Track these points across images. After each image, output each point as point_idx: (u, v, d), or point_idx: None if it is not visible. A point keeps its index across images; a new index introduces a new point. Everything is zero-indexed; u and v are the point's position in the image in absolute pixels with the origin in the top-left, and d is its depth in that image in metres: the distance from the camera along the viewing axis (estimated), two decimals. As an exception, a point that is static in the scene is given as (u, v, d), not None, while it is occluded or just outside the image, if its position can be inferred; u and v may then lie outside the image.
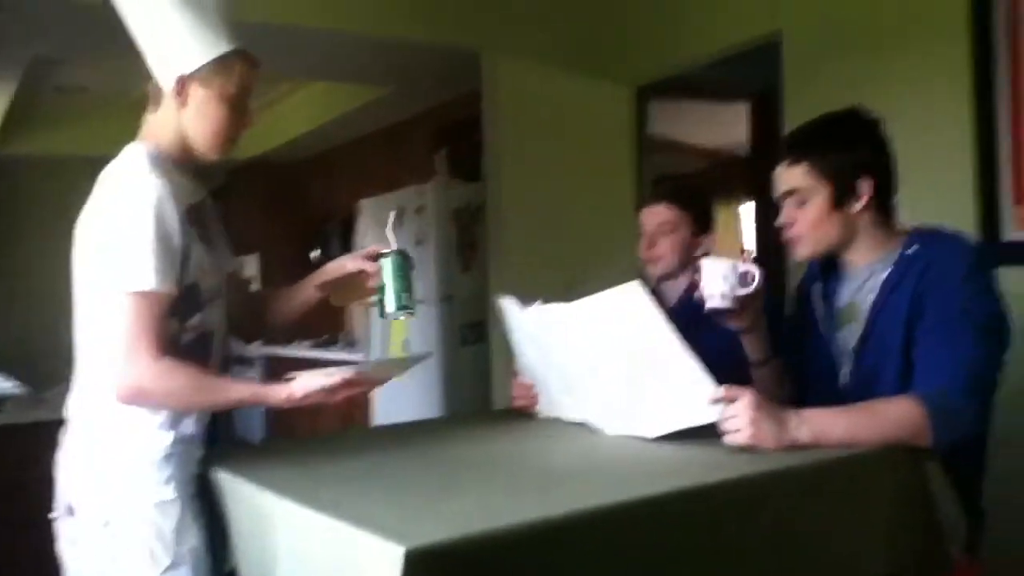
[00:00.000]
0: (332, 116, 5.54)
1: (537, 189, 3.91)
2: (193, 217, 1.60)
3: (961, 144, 2.68)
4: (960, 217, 2.64)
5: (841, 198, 1.64)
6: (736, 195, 6.90)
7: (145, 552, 1.52)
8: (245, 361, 6.71)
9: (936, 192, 2.75)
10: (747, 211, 6.52)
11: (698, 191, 2.33)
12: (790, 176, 1.67)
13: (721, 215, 6.74)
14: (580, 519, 1.16)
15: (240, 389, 1.60)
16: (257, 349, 6.55)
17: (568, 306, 1.69)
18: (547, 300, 1.80)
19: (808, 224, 1.66)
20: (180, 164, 1.64)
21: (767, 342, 1.75)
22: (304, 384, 1.54)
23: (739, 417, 1.45)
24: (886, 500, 1.46)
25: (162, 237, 1.51)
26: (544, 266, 3.80)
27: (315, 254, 1.70)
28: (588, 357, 1.71)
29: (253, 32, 3.42)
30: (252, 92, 1.67)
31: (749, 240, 6.49)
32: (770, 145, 4.52)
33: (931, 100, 2.79)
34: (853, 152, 1.65)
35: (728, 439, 1.47)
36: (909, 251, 1.63)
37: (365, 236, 4.91)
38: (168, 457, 1.56)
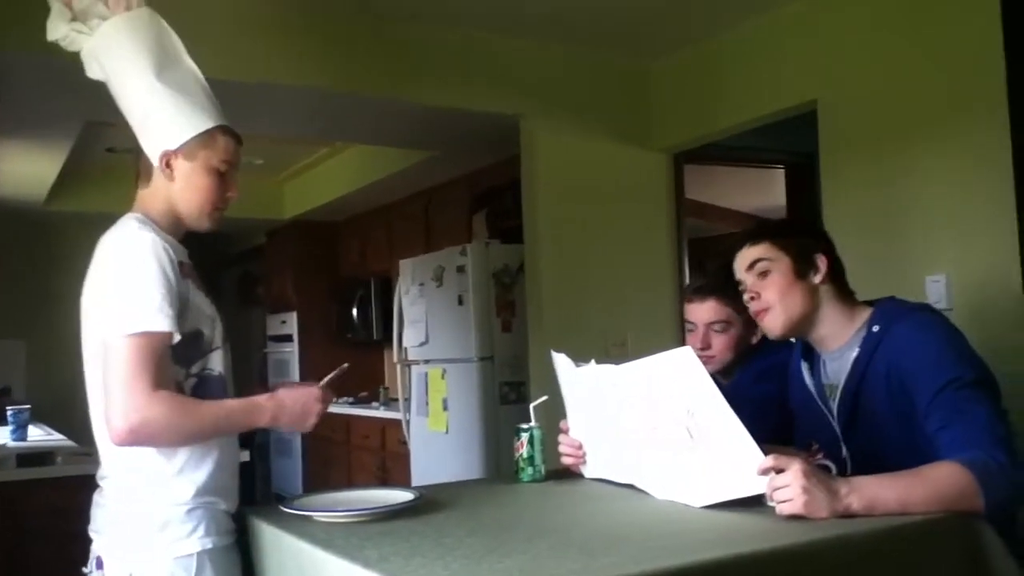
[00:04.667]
0: (372, 179, 5.63)
1: (575, 252, 3.94)
2: (187, 271, 1.67)
3: (1006, 214, 2.67)
4: (1009, 287, 2.63)
5: (801, 268, 1.76)
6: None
7: None
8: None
9: (982, 261, 2.74)
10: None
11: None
12: (752, 251, 1.79)
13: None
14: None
15: (230, 404, 1.66)
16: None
17: (620, 367, 1.70)
18: (600, 360, 1.81)
19: (775, 292, 1.76)
20: (170, 231, 1.72)
21: None
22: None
23: (790, 487, 1.43)
24: (941, 568, 1.44)
25: (161, 282, 1.57)
26: (583, 328, 3.82)
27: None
28: (639, 419, 1.71)
29: (299, 97, 3.58)
30: (237, 165, 1.78)
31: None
32: (807, 208, 4.53)
33: (973, 170, 2.79)
34: (807, 235, 1.83)
35: (780, 509, 1.45)
36: (874, 329, 1.70)
37: (406, 294, 4.95)
38: (191, 512, 1.60)
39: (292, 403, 1.67)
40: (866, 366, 1.69)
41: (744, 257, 1.82)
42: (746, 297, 1.82)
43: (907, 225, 2.98)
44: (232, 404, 1.67)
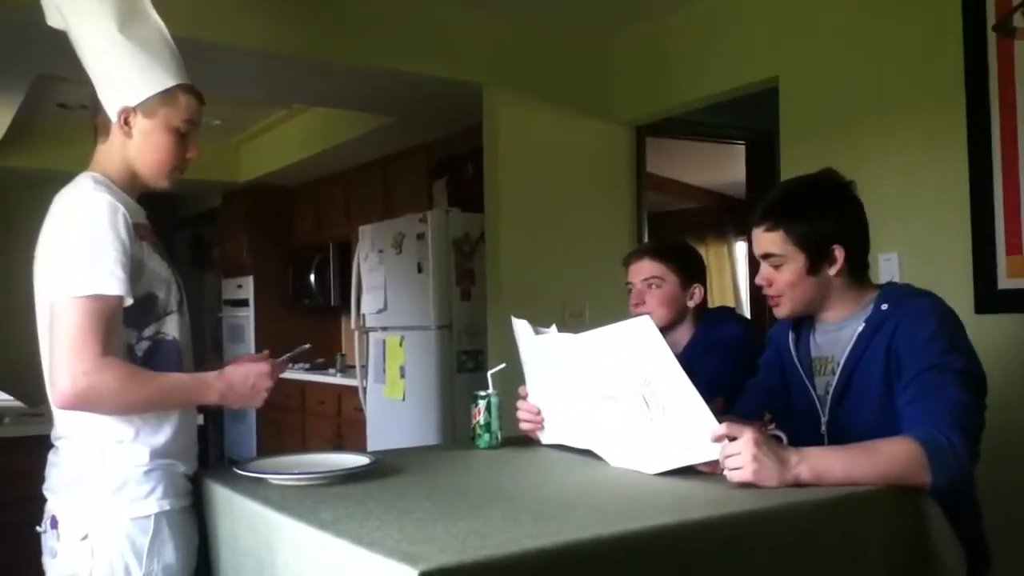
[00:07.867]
0: (331, 144, 5.56)
1: (536, 222, 3.94)
2: (143, 233, 1.65)
3: (958, 195, 2.72)
4: (958, 266, 2.69)
5: (815, 264, 1.73)
6: (731, 234, 6.97)
7: (119, 566, 1.55)
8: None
9: (933, 240, 2.79)
10: (742, 250, 6.59)
11: (680, 244, 2.40)
12: (767, 241, 1.75)
13: (716, 253, 6.82)
14: (577, 550, 1.17)
15: (179, 379, 1.63)
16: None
17: (580, 336, 1.71)
18: (561, 328, 1.83)
19: (785, 286, 1.75)
20: (126, 190, 1.69)
21: None
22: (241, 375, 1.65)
23: (741, 455, 1.47)
24: (885, 540, 1.47)
25: (113, 244, 1.54)
26: (541, 297, 3.83)
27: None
28: (596, 388, 1.73)
29: (258, 59, 3.51)
30: (198, 125, 1.75)
31: (743, 277, 6.54)
32: (766, 186, 4.58)
33: (928, 151, 2.83)
34: (826, 221, 1.74)
35: (730, 476, 1.48)
36: (882, 308, 1.71)
37: (364, 260, 4.92)
38: (148, 473, 1.60)
39: (241, 382, 1.66)
40: (869, 341, 1.69)
41: (757, 244, 1.77)
42: (759, 279, 1.80)
43: (863, 203, 3.02)
44: (181, 379, 1.64)
